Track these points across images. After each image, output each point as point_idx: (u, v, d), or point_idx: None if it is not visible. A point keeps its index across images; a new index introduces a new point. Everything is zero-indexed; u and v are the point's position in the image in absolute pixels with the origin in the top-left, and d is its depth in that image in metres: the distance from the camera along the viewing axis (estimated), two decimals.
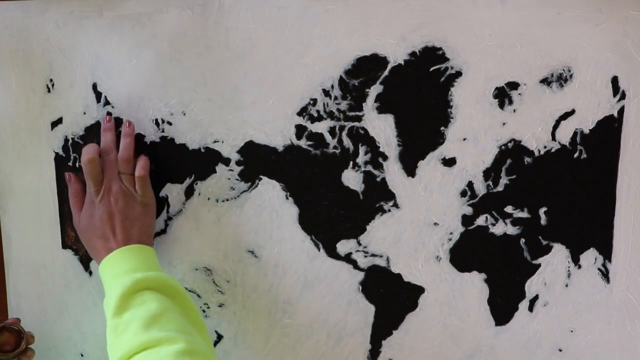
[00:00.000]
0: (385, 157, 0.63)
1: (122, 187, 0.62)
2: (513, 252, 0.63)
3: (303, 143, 0.64)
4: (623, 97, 0.59)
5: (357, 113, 0.62)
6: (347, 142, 0.63)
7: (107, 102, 0.65)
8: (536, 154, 0.61)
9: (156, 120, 0.65)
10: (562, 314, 0.63)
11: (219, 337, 0.68)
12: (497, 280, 0.63)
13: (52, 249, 0.69)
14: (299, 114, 0.63)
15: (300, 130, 0.63)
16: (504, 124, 0.61)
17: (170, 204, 0.66)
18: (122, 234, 0.61)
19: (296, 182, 0.64)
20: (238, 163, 0.65)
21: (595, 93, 0.59)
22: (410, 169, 0.63)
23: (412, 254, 0.64)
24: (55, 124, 0.67)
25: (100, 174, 0.63)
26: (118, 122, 0.65)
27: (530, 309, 0.63)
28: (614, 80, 0.59)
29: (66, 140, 0.67)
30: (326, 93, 0.62)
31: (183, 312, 0.57)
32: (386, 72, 0.61)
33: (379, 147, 0.63)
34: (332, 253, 0.65)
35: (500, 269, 0.63)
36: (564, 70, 0.59)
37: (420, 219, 0.63)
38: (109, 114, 0.65)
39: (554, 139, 0.60)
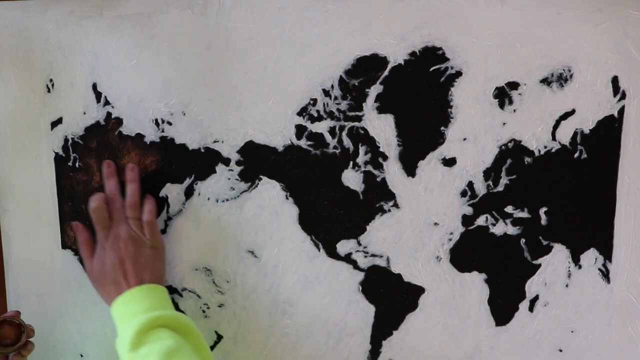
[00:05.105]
0: (385, 157, 0.63)
1: (131, 232, 0.63)
2: (513, 252, 0.63)
3: (303, 143, 0.64)
4: (623, 97, 0.59)
5: (357, 113, 0.62)
6: (347, 142, 0.63)
7: (107, 102, 0.65)
8: (536, 154, 0.61)
9: (156, 120, 0.65)
10: (562, 314, 0.63)
11: (219, 337, 0.68)
12: (497, 280, 0.63)
13: (52, 249, 0.69)
14: (299, 114, 0.63)
15: (300, 130, 0.63)
16: (504, 124, 0.61)
17: (170, 204, 0.66)
18: (133, 278, 0.61)
19: (296, 182, 0.64)
20: (238, 163, 0.65)
21: (595, 93, 0.59)
22: (410, 169, 0.63)
23: (412, 254, 0.64)
24: (55, 124, 0.67)
25: (108, 220, 0.64)
26: (119, 121, 0.66)
27: (531, 309, 0.63)
28: (614, 80, 0.59)
29: (66, 140, 0.67)
30: (326, 93, 0.62)
31: (195, 350, 0.58)
32: (386, 72, 0.61)
33: (379, 147, 0.63)
34: (332, 253, 0.65)
35: (501, 269, 0.63)
36: (564, 70, 0.59)
37: (420, 219, 0.63)
38: (107, 159, 0.65)
39: (554, 139, 0.60)
